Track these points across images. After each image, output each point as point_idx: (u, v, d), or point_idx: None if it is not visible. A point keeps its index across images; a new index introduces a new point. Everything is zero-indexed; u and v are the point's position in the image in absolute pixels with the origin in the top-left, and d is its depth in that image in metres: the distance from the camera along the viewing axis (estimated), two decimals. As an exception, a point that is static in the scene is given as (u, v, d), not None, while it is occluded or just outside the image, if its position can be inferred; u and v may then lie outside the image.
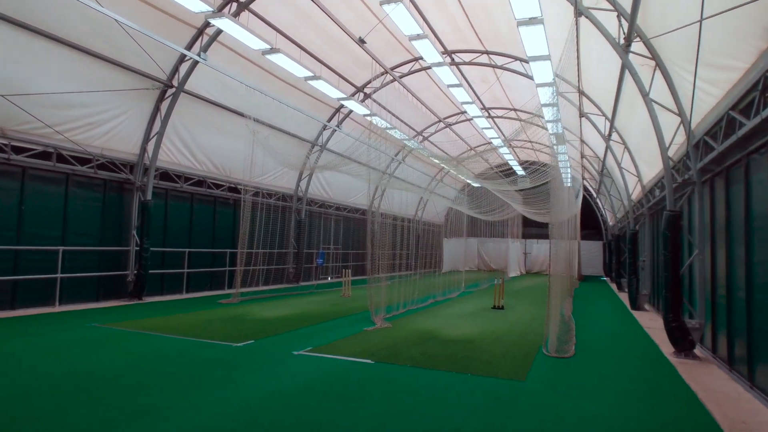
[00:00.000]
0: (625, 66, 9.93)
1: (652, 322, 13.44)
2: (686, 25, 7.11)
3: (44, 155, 12.55)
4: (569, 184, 29.54)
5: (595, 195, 36.61)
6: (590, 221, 37.92)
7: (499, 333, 11.02)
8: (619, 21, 9.93)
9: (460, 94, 17.78)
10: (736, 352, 7.63)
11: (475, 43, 18.47)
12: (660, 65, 9.45)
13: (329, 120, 21.71)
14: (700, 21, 6.53)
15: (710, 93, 8.01)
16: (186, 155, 16.51)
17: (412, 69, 20.61)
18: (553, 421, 5.46)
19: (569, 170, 28.18)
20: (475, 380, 7.05)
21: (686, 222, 10.29)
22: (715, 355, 8.79)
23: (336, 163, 22.52)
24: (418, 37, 12.22)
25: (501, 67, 19.01)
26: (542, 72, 13.83)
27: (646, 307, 16.56)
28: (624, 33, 9.65)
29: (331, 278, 26.63)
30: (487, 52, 18.96)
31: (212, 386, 6.39)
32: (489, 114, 25.85)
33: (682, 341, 8.98)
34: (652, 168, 14.32)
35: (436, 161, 28.08)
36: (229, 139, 17.83)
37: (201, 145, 16.90)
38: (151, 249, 14.82)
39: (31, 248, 12.31)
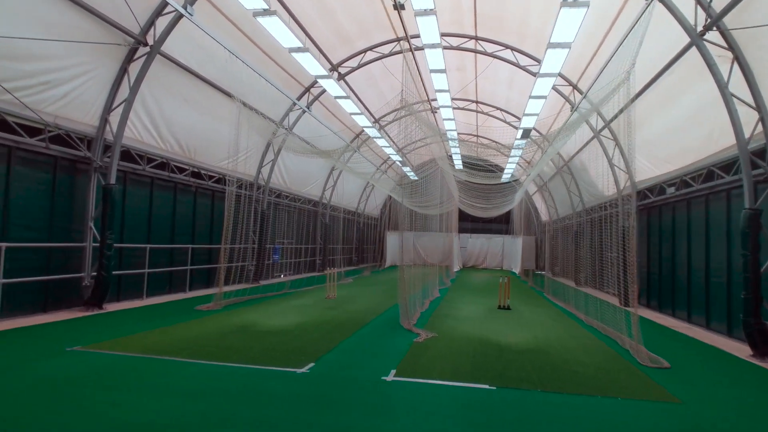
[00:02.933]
0: (703, 55, 9.59)
1: (662, 320, 13.61)
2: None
3: (-19, 120, 9.38)
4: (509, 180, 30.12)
5: (530, 192, 37.91)
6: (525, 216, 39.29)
7: (554, 340, 10.21)
8: (696, 10, 9.58)
9: (440, 81, 16.65)
10: None
11: (468, 27, 17.59)
12: (739, 56, 9.19)
13: (299, 98, 19.54)
14: None
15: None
16: (150, 131, 13.61)
17: (393, 50, 19.26)
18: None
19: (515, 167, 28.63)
20: (633, 406, 6.07)
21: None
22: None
23: (303, 146, 20.47)
24: (425, 12, 11.04)
25: (491, 55, 18.33)
26: (553, 62, 13.30)
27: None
28: (699, 22, 9.32)
29: (284, 275, 24.41)
30: (476, 38, 18.20)
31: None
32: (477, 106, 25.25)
33: (763, 344, 8.83)
34: (662, 166, 14.44)
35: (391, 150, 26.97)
36: (200, 115, 15.15)
37: (168, 120, 14.05)
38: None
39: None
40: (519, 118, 24.09)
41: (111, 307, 12.18)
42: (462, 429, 5.12)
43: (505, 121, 26.01)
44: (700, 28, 9.46)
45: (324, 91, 19.87)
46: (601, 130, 17.54)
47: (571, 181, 25.40)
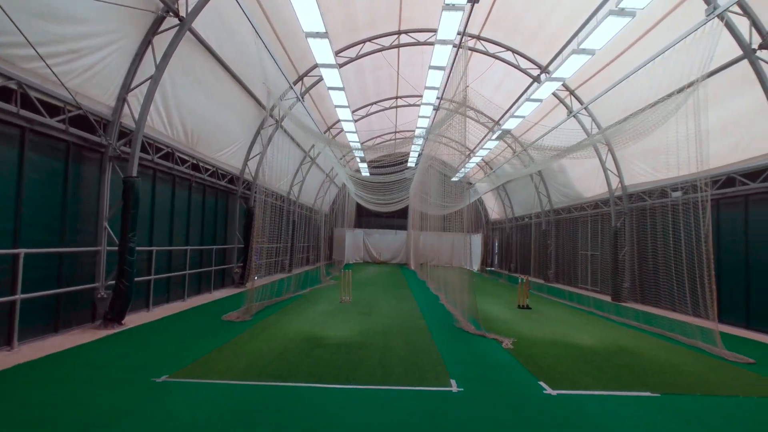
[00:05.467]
0: (756, 69, 10.12)
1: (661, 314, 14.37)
2: None
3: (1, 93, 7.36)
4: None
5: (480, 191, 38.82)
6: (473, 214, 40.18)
7: (625, 344, 10.26)
8: (750, 28, 10.08)
9: (434, 78, 16.43)
10: None
11: (474, 27, 17.35)
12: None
13: (295, 83, 18.11)
14: None
15: None
16: (162, 116, 11.73)
17: (393, 43, 18.59)
18: None
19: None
20: None
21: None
22: None
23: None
24: (453, 7, 10.69)
25: (492, 55, 18.27)
26: (567, 68, 13.54)
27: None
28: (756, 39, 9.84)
29: (257, 277, 22.64)
30: (479, 38, 18.05)
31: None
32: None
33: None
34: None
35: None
36: (208, 100, 13.42)
37: (179, 103, 12.21)
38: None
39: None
40: (494, 121, 24.55)
41: (128, 323, 10.30)
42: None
43: (479, 122, 26.24)
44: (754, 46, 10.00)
45: (319, 80, 18.64)
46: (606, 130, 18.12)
47: (540, 183, 26.23)
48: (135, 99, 10.29)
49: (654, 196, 16.28)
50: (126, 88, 9.95)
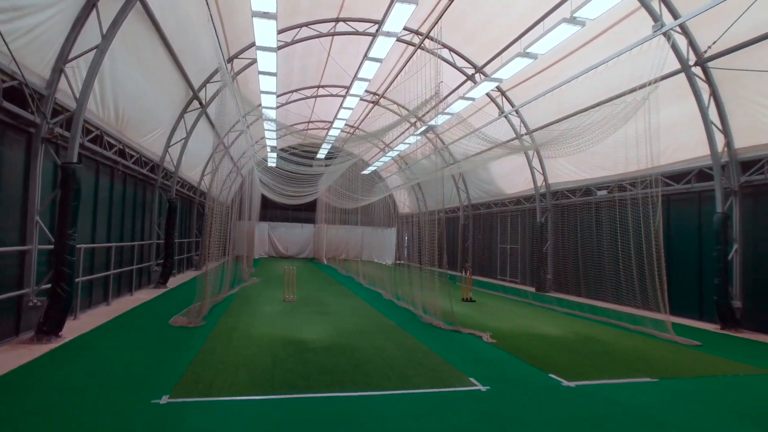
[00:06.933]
0: (691, 84, 11.57)
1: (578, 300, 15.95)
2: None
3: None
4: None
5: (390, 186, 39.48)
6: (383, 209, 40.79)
7: (587, 333, 11.16)
8: (688, 47, 11.50)
9: (369, 70, 16.59)
10: None
11: (415, 22, 17.51)
12: (714, 90, 11.41)
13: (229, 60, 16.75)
14: None
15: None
16: (96, 93, 10.06)
17: (330, 30, 18.08)
18: None
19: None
20: None
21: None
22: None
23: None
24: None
25: (430, 51, 18.54)
26: (507, 70, 14.34)
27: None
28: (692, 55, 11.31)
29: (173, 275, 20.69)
30: (416, 32, 18.27)
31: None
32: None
33: (730, 319, 11.20)
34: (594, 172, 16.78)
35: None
36: (145, 80, 11.87)
37: (116, 82, 10.62)
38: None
39: None
40: (417, 117, 25.11)
41: (68, 334, 8.75)
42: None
43: (400, 115, 26.61)
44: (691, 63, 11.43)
45: (251, 64, 17.47)
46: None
47: (459, 178, 27.37)
48: (71, 73, 8.73)
49: (578, 194, 17.83)
50: (64, 57, 8.39)
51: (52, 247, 8.43)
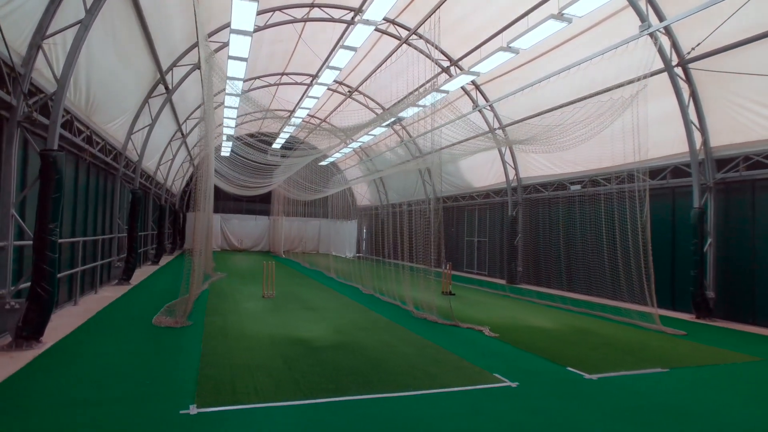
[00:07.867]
0: (673, 83, 12.13)
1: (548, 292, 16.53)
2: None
3: None
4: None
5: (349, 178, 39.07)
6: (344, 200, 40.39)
7: (579, 325, 11.50)
8: (671, 48, 12.04)
9: (342, 59, 16.37)
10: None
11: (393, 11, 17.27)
12: (693, 91, 12.05)
13: (192, 48, 15.80)
14: None
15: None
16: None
17: (304, 16, 17.52)
18: None
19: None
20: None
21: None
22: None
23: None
24: None
25: (405, 41, 18.43)
26: (486, 64, 14.47)
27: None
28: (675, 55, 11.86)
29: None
30: (393, 22, 18.06)
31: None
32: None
33: (704, 309, 11.93)
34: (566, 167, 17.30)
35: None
36: (118, 59, 10.95)
37: (91, 62, 9.70)
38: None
39: None
40: (384, 108, 25.01)
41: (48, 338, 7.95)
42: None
43: (368, 107, 26.35)
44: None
45: (222, 47, 16.62)
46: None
47: (425, 171, 27.47)
48: (48, 50, 7.88)
49: (550, 188, 18.33)
50: (42, 32, 7.55)
51: (29, 243, 7.60)
